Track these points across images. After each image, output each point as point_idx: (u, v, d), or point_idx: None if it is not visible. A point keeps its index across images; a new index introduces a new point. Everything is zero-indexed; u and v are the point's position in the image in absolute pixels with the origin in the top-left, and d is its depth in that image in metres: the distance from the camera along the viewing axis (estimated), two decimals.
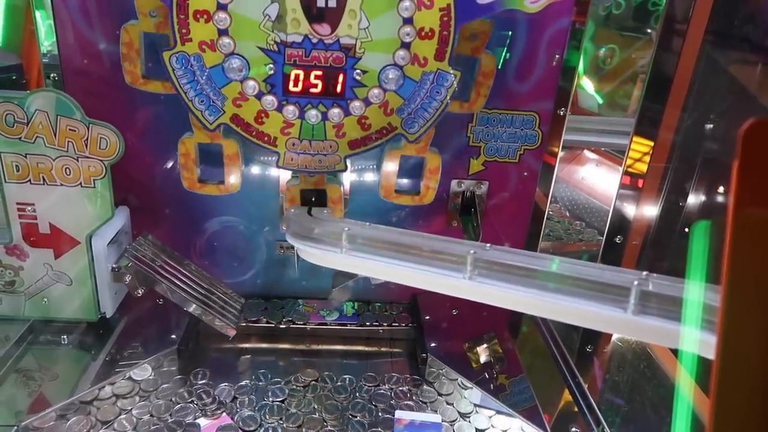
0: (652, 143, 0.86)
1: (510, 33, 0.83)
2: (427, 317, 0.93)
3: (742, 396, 0.34)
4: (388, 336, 0.93)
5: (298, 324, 0.92)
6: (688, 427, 0.43)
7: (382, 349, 0.91)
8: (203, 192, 0.83)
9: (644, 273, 0.53)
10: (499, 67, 0.85)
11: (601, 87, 1.47)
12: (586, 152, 1.37)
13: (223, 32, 0.71)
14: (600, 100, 1.48)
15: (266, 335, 0.92)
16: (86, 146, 0.73)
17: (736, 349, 0.34)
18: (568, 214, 1.35)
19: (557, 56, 0.84)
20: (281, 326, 0.92)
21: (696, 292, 0.48)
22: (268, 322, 0.92)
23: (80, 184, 0.76)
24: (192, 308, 0.81)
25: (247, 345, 0.90)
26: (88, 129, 0.73)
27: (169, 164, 0.87)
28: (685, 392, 0.45)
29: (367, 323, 0.94)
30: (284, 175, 0.84)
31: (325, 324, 0.93)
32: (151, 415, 0.74)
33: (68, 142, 0.73)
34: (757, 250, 0.34)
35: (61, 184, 0.76)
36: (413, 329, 0.93)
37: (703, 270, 0.47)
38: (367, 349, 0.92)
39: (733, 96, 0.84)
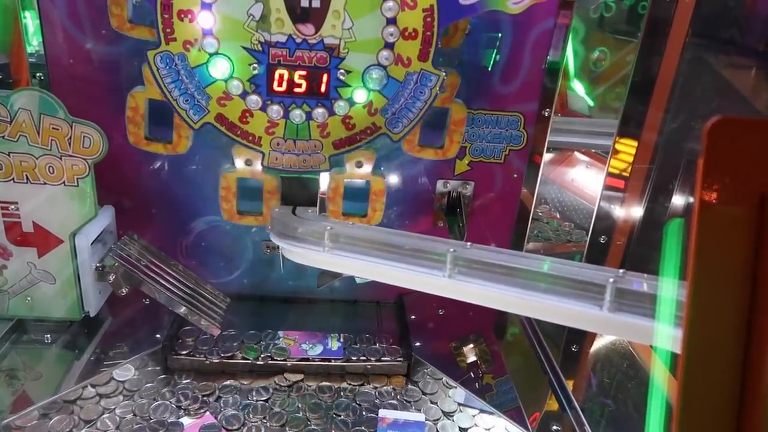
0: (635, 144, 0.87)
1: (500, 35, 0.84)
2: (413, 317, 0.94)
3: (708, 386, 0.34)
4: (377, 371, 0.84)
5: (277, 360, 0.83)
6: (662, 417, 0.44)
7: (373, 385, 0.83)
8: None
9: (621, 271, 0.54)
10: (489, 69, 0.85)
11: (592, 90, 1.48)
12: (576, 154, 1.38)
13: (207, 32, 0.71)
14: (591, 103, 1.48)
15: (243, 372, 0.83)
16: (69, 145, 0.73)
17: (702, 343, 0.34)
18: (558, 215, 1.35)
19: (542, 58, 0.85)
20: (259, 362, 0.83)
21: (670, 289, 0.49)
22: (244, 358, 0.83)
23: (64, 182, 0.76)
24: (177, 308, 0.81)
25: (221, 382, 0.81)
26: (71, 127, 0.73)
27: (156, 164, 0.88)
28: (660, 384, 0.46)
29: (353, 358, 0.84)
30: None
31: (308, 359, 0.84)
32: (134, 414, 0.74)
33: (51, 140, 0.73)
34: (722, 245, 0.34)
35: (45, 183, 0.76)
36: (404, 364, 0.85)
37: (677, 267, 0.48)
38: (353, 385, 0.83)
39: (717, 97, 0.84)
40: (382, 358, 0.85)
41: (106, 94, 0.81)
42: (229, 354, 0.83)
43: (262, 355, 0.84)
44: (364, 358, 0.85)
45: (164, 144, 0.80)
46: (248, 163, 0.80)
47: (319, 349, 0.86)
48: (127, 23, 0.74)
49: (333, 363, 0.84)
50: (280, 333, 0.88)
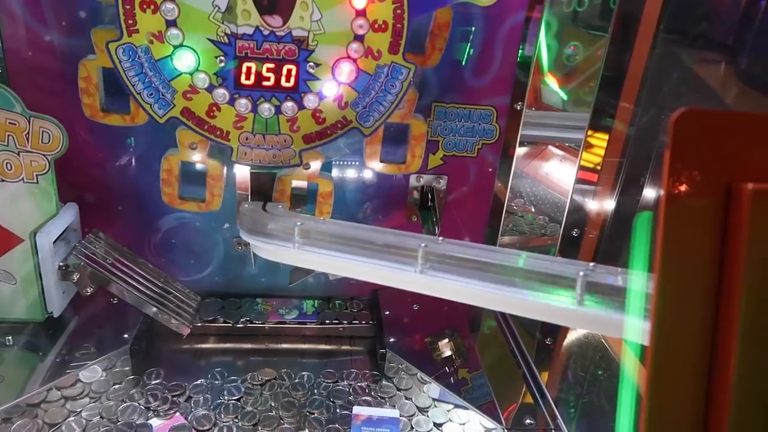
0: (607, 137, 0.87)
1: (473, 28, 0.83)
2: (387, 312, 0.93)
3: (676, 377, 0.34)
4: (348, 334, 0.92)
5: (256, 323, 0.91)
6: (632, 408, 0.44)
7: (343, 347, 0.91)
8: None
9: (591, 264, 0.54)
10: (463, 63, 0.85)
11: (565, 84, 1.49)
12: (551, 147, 1.38)
13: (171, 23, 0.69)
14: (564, 97, 1.49)
15: (223, 335, 0.90)
16: (28, 140, 0.71)
17: (669, 335, 0.34)
18: (533, 209, 1.35)
19: (515, 51, 0.85)
20: (238, 326, 0.90)
21: (639, 281, 0.49)
22: (225, 322, 0.90)
23: (22, 179, 0.73)
24: (146, 308, 0.80)
25: (203, 345, 0.88)
26: (29, 122, 0.70)
27: (123, 159, 0.85)
28: (630, 375, 0.46)
29: (327, 321, 0.92)
30: (241, 171, 0.83)
31: (284, 323, 0.91)
32: (101, 417, 0.72)
33: (8, 136, 0.71)
34: (688, 237, 0.34)
35: (3, 180, 0.73)
36: (374, 327, 0.92)
37: (646, 260, 0.47)
38: (327, 347, 0.91)
39: (687, 91, 0.85)
40: (353, 321, 0.92)
41: (66, 88, 0.78)
42: (211, 318, 0.90)
43: (242, 319, 0.90)
44: (337, 321, 0.92)
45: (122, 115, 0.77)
46: (193, 146, 0.77)
47: (295, 313, 0.93)
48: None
49: (308, 326, 0.91)
50: (259, 300, 0.95)
